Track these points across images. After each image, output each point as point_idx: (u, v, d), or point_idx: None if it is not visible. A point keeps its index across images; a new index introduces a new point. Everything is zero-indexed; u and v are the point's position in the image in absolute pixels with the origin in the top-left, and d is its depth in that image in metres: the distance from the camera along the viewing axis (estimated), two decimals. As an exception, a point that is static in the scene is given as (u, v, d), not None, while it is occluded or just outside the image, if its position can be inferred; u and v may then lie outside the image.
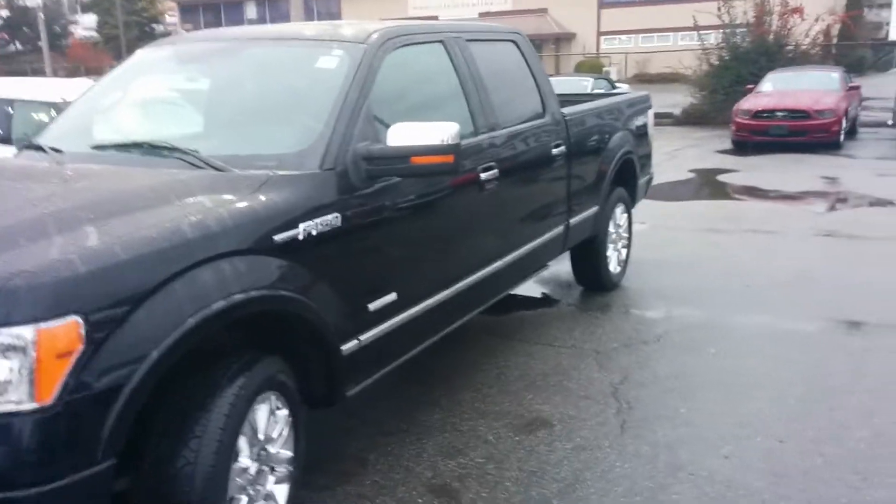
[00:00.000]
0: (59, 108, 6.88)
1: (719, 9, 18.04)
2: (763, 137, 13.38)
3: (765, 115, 13.48)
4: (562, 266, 5.83)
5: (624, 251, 5.89)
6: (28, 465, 1.92)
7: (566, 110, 4.75)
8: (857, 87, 15.34)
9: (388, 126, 2.95)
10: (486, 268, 3.81)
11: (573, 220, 4.82)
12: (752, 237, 7.39)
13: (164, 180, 2.66)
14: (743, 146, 13.72)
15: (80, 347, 1.96)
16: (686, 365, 4.33)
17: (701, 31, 18.78)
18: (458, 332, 4.73)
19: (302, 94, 3.22)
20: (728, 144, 14.22)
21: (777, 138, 13.23)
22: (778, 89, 14.44)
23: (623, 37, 38.63)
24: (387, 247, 3.07)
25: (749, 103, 13.98)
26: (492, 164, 3.70)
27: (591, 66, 33.28)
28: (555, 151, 4.43)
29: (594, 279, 5.60)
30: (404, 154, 2.84)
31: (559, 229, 4.65)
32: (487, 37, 4.26)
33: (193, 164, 2.80)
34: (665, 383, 4.09)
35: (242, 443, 2.44)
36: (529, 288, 5.83)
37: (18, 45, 52.64)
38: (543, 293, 5.80)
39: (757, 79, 15.78)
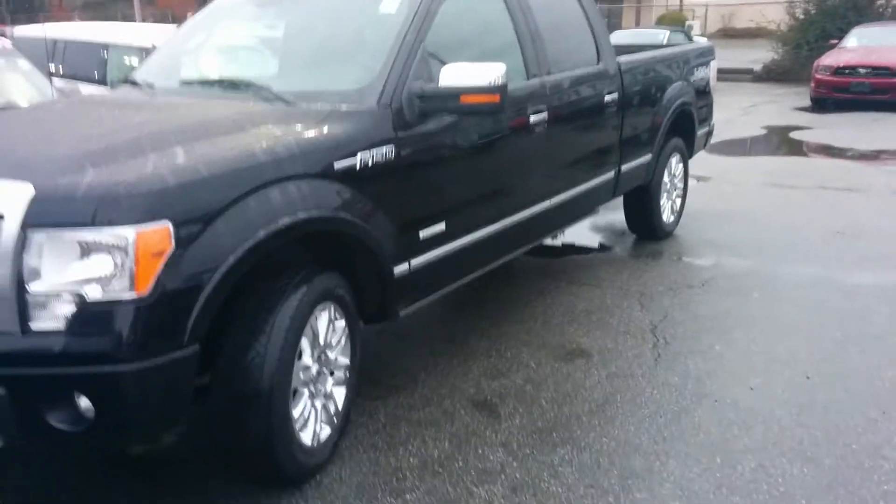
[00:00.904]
0: (150, 52, 7.38)
1: (807, -40, 17.42)
2: (843, 95, 13.01)
3: (847, 71, 13.10)
4: (617, 215, 6.03)
5: (679, 201, 6.03)
6: (128, 345, 2.28)
7: (622, 59, 4.90)
8: (951, 44, 14.65)
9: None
10: (533, 206, 4.06)
11: (625, 167, 5.00)
12: (818, 193, 7.38)
13: (241, 111, 3.01)
14: (822, 103, 13.39)
15: (170, 248, 2.31)
16: (727, 308, 4.51)
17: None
18: (508, 271, 5.06)
19: (364, 37, 3.51)
20: (807, 102, 13.89)
21: (858, 96, 12.85)
22: (863, 45, 13.94)
23: (709, -11, 37.30)
24: (437, 180, 3.36)
25: (831, 59, 13.57)
26: (541, 107, 3.93)
27: (674, 20, 32.38)
28: (607, 98, 4.61)
29: (647, 227, 5.78)
30: (454, 93, 3.10)
31: (609, 175, 4.85)
32: (545, -15, 4.43)
33: (266, 99, 3.14)
34: (704, 323, 4.29)
35: (305, 344, 2.78)
36: (583, 235, 6.07)
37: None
38: (597, 240, 6.01)
39: (844, 34, 15.24)
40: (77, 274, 2.27)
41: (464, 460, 3.01)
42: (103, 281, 2.27)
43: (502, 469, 2.95)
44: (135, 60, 7.82)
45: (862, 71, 12.97)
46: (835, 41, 15.00)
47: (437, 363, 3.85)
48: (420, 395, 3.54)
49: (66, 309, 2.27)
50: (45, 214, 2.27)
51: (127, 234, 2.25)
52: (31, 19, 33.88)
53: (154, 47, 7.45)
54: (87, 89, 6.81)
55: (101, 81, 7.71)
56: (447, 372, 3.76)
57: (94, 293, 2.27)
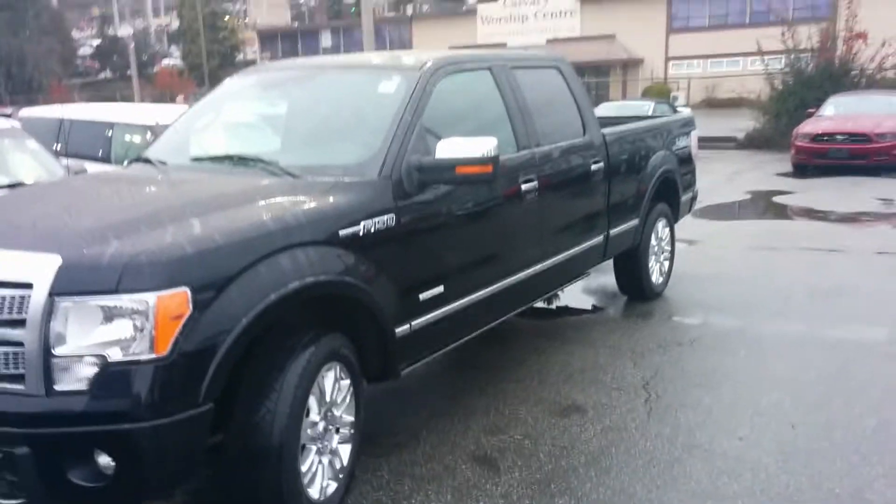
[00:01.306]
0: (154, 130, 7.68)
1: (783, 34, 18.14)
2: (823, 161, 13.42)
3: (825, 138, 13.53)
4: (608, 278, 6.23)
5: (666, 263, 6.24)
6: (147, 404, 2.43)
7: (607, 130, 5.18)
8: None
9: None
10: (526, 270, 4.25)
11: (613, 232, 5.22)
12: (799, 254, 7.62)
13: (251, 185, 3.23)
14: (803, 169, 13.79)
15: (188, 312, 2.48)
16: (715, 364, 4.67)
17: (766, 56, 18.88)
18: (504, 332, 5.22)
19: (365, 114, 3.77)
20: (789, 168, 14.30)
21: (837, 161, 13.26)
22: (839, 113, 14.46)
23: (692, 61, 38.69)
24: (435, 245, 3.56)
25: (809, 127, 14.05)
26: (532, 176, 4.16)
27: (659, 91, 33.45)
28: (594, 168, 4.86)
29: (636, 288, 5.97)
30: (450, 165, 3.33)
31: (598, 239, 5.07)
32: (532, 64, 4.74)
33: (274, 173, 3.37)
34: (693, 379, 4.45)
35: (312, 402, 2.93)
36: (577, 297, 6.25)
37: (108, 73, 55.82)
38: (590, 302, 6.19)
39: (821, 103, 15.79)
40: (100, 337, 2.44)
41: (465, 513, 3.13)
42: (124, 343, 2.44)
43: (503, 520, 3.06)
44: (136, 139, 8.12)
45: (839, 137, 13.41)
46: (812, 110, 15.53)
47: (437, 421, 3.97)
48: (422, 452, 3.65)
49: (89, 371, 2.43)
50: (71, 283, 2.44)
51: (148, 299, 2.43)
52: (30, 100, 34.69)
53: (158, 125, 7.78)
54: (92, 167, 7.03)
55: (105, 159, 7.98)
56: (448, 429, 3.88)
57: (115, 355, 2.43)
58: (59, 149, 7.93)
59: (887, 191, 11.26)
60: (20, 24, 43.19)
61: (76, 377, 2.43)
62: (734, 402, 4.09)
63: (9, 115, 8.97)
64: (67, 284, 2.44)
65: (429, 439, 3.79)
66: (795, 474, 3.32)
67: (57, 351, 2.43)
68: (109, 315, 2.44)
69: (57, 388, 2.43)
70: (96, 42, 59.08)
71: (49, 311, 2.42)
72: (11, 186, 5.39)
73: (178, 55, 55.76)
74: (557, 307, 6.03)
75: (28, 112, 9.72)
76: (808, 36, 18.10)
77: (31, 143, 6.43)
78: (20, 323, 2.44)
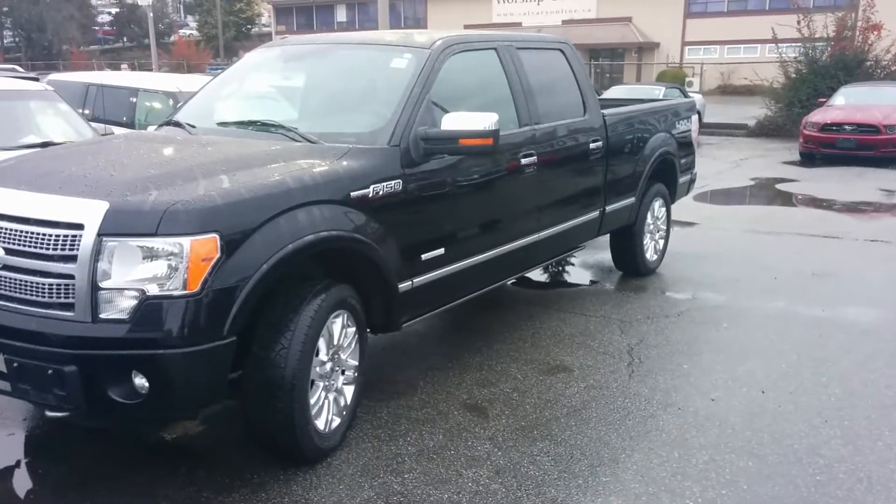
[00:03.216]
0: (176, 97, 8.01)
1: (798, 22, 18.25)
2: (830, 150, 13.65)
3: (833, 128, 13.73)
4: (605, 254, 6.55)
5: (661, 241, 6.55)
6: (179, 333, 2.77)
7: (607, 111, 5.47)
8: (935, 104, 15.29)
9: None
10: (522, 239, 4.57)
11: (609, 208, 5.53)
12: (793, 239, 7.90)
13: (273, 147, 3.56)
14: (810, 158, 14.01)
15: (216, 255, 2.81)
16: (698, 335, 5.00)
17: (781, 44, 18.99)
18: (502, 299, 5.56)
19: (378, 88, 4.09)
20: (796, 156, 14.52)
21: (844, 151, 13.48)
22: (850, 103, 14.64)
23: (709, 47, 38.63)
24: (437, 211, 3.88)
25: (818, 116, 14.24)
26: (531, 151, 4.48)
27: (674, 76, 33.48)
28: (592, 146, 5.16)
29: (631, 264, 6.28)
30: (454, 136, 3.65)
31: (594, 214, 5.38)
32: (536, 45, 5.03)
33: (293, 138, 3.70)
34: (675, 347, 4.78)
35: (322, 344, 3.27)
36: (573, 271, 6.58)
37: (125, 41, 56.12)
38: (586, 276, 6.52)
39: (833, 93, 15.94)
40: (140, 274, 2.79)
41: (455, 450, 3.48)
42: (160, 280, 2.78)
43: (488, 457, 3.41)
44: (158, 105, 8.46)
45: (848, 128, 13.61)
46: (823, 99, 15.69)
47: (434, 374, 4.32)
48: (418, 399, 4.01)
49: (130, 303, 2.78)
50: (116, 225, 2.80)
51: (183, 242, 2.77)
52: (50, 66, 35.02)
53: (180, 92, 8.11)
54: (118, 131, 7.37)
55: (129, 124, 8.32)
56: (443, 381, 4.23)
57: (152, 290, 2.78)
58: (85, 112, 8.27)
59: (892, 182, 11.49)
60: (40, -9, 43.57)
61: (118, 308, 2.78)
62: (711, 369, 4.42)
63: (36, 79, 9.31)
64: (113, 227, 2.79)
65: (425, 389, 4.14)
66: (759, 431, 3.65)
67: (103, 284, 2.78)
68: (149, 255, 2.78)
69: (102, 316, 2.78)
70: (114, 10, 59.42)
71: (97, 250, 2.77)
72: (43, 145, 5.75)
73: (195, 26, 56.01)
74: (553, 280, 6.36)
75: (54, 77, 10.07)
76: (824, 25, 18.20)
77: (62, 105, 6.78)
78: (72, 258, 2.79)
